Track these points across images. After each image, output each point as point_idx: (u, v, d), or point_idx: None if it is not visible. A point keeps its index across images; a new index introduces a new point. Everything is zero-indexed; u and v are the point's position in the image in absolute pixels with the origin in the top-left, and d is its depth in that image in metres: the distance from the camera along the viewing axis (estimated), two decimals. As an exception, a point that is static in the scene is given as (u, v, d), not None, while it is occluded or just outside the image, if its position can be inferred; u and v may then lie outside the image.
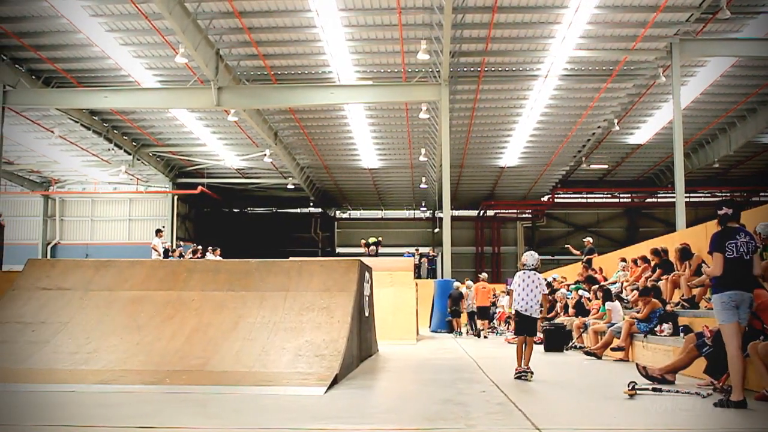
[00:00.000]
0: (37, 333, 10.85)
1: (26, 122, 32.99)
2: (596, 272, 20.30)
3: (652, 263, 15.63)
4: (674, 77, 24.06)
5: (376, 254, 24.56)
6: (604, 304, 15.60)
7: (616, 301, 15.56)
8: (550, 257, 48.11)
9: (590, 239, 24.51)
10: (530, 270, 10.64)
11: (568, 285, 20.76)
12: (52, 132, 33.67)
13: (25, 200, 45.83)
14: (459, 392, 8.71)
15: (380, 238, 26.21)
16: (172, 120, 33.68)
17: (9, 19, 23.42)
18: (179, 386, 8.53)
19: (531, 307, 10.44)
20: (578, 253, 24.07)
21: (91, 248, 44.06)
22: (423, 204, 51.30)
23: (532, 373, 10.15)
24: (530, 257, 10.86)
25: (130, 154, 37.69)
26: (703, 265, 11.96)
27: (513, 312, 11.21)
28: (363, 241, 27.81)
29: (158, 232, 28.34)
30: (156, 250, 26.84)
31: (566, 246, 25.28)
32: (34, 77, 27.92)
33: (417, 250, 41.17)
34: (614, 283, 17.85)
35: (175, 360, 9.93)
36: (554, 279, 23.33)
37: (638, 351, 12.99)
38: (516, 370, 10.26)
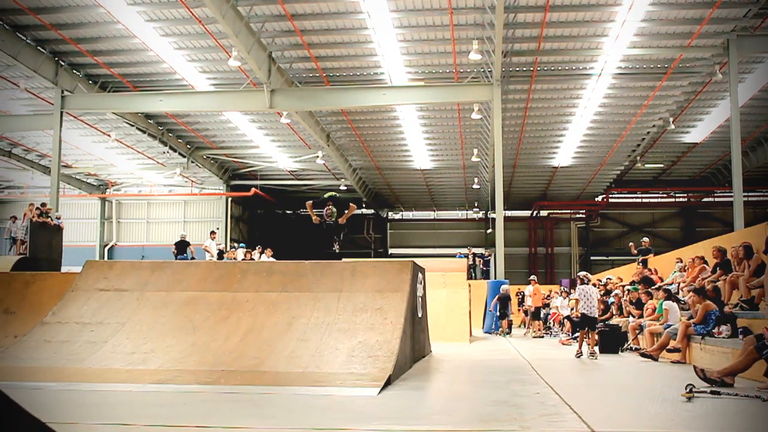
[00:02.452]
0: (96, 333, 11.04)
1: (84, 126, 33.69)
2: (652, 273, 20.03)
3: (713, 263, 15.30)
4: (731, 74, 23.52)
5: (335, 220, 13.52)
6: (661, 305, 15.33)
7: (674, 302, 15.29)
8: (605, 258, 47.69)
9: (647, 239, 24.22)
10: (588, 284, 14.65)
11: (623, 286, 20.54)
12: (108, 135, 34.29)
13: (83, 203, 46.79)
14: (513, 394, 8.64)
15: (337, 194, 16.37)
16: (225, 123, 34.03)
17: (67, 26, 23.95)
18: (234, 386, 8.59)
19: (591, 310, 14.35)
20: (636, 252, 23.80)
21: (146, 250, 44.70)
22: (476, 204, 51.08)
23: (592, 354, 14.05)
24: (588, 275, 14.98)
25: (184, 156, 38.23)
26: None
27: (580, 313, 14.81)
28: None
29: (212, 234, 28.67)
30: (208, 252, 27.15)
31: (630, 244, 24.94)
32: (91, 82, 28.49)
33: (470, 250, 40.99)
34: (671, 283, 17.55)
35: (230, 360, 10.01)
36: (608, 279, 23.10)
37: (696, 353, 12.75)
38: (576, 352, 14.40)
